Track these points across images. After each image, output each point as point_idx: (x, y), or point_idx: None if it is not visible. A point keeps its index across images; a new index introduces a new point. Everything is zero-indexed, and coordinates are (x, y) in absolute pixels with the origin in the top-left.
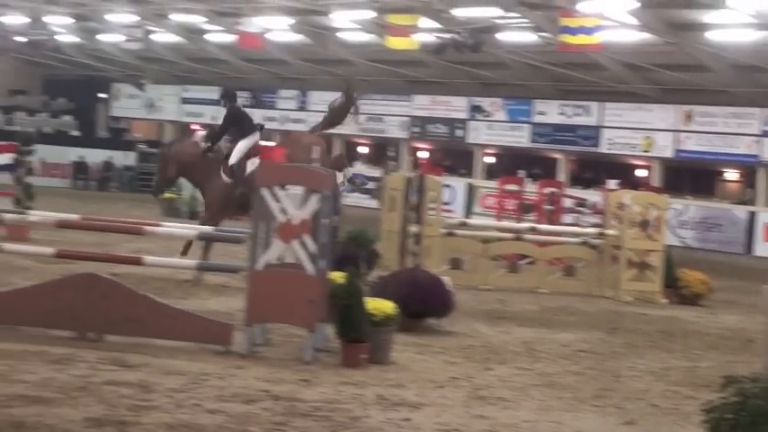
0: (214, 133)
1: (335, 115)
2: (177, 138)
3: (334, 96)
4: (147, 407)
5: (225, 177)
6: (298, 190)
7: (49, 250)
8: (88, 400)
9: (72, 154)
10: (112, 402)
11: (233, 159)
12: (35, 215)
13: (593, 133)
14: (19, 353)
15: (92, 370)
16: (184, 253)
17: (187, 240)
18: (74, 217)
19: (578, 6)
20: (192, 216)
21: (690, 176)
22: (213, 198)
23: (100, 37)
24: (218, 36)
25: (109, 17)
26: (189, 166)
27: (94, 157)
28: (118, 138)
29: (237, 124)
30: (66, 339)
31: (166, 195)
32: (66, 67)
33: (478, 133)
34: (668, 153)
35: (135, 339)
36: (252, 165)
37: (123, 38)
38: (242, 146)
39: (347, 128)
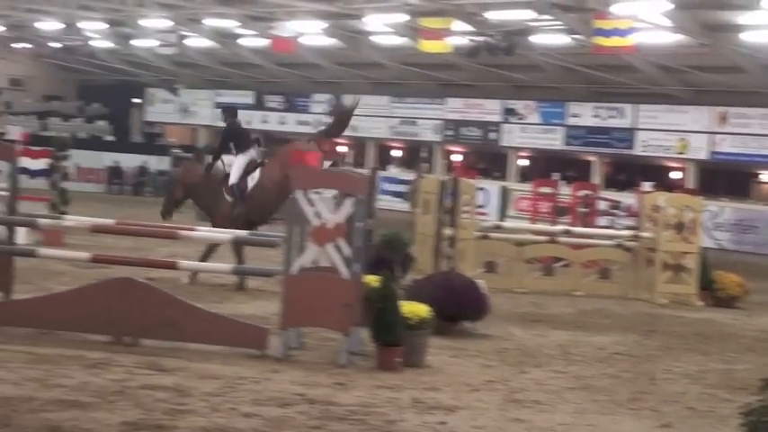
0: (214, 150)
1: (333, 130)
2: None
3: (367, 100)
4: (183, 411)
5: (228, 197)
6: (332, 193)
7: (84, 255)
8: (124, 405)
9: (107, 159)
10: (149, 406)
11: (233, 179)
12: (70, 220)
13: (627, 135)
14: (56, 357)
15: (128, 374)
16: (204, 259)
17: (208, 246)
18: (109, 222)
19: (612, 8)
20: None
21: (725, 178)
22: (219, 220)
23: (134, 42)
24: (251, 40)
25: (143, 22)
26: (194, 187)
27: (129, 161)
28: (152, 142)
29: (235, 140)
30: (103, 344)
31: None
32: (101, 73)
33: (512, 136)
34: (703, 155)
35: (171, 343)
36: (252, 180)
37: (157, 43)
38: (239, 163)
39: (380, 131)
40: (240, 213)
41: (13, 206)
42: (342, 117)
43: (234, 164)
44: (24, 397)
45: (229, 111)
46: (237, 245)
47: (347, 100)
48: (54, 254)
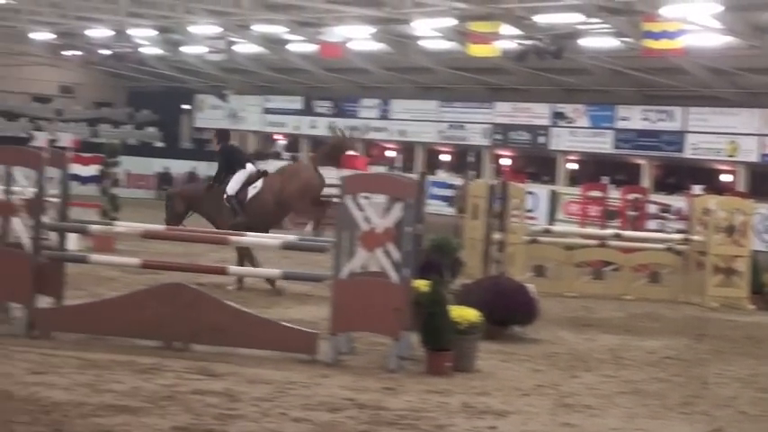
0: (216, 174)
1: (333, 153)
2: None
3: (416, 105)
4: (234, 416)
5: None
6: (381, 198)
7: (135, 261)
8: (175, 410)
9: (156, 165)
10: (199, 411)
11: (230, 191)
12: (121, 226)
13: (677, 138)
14: (107, 362)
15: (178, 379)
16: (241, 264)
17: (239, 254)
18: (159, 227)
19: (661, 11)
20: None
21: None
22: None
23: (183, 49)
24: (299, 46)
25: (192, 29)
26: (196, 200)
27: (178, 167)
28: (201, 148)
29: (230, 161)
30: (153, 349)
31: None
32: (150, 79)
33: (561, 140)
34: (753, 157)
35: (220, 348)
36: (254, 189)
37: (206, 49)
38: (238, 177)
39: (429, 135)
40: (238, 223)
41: (64, 212)
42: (336, 148)
43: (233, 178)
44: (75, 402)
45: (222, 135)
46: (248, 249)
47: (345, 130)
48: (105, 260)
